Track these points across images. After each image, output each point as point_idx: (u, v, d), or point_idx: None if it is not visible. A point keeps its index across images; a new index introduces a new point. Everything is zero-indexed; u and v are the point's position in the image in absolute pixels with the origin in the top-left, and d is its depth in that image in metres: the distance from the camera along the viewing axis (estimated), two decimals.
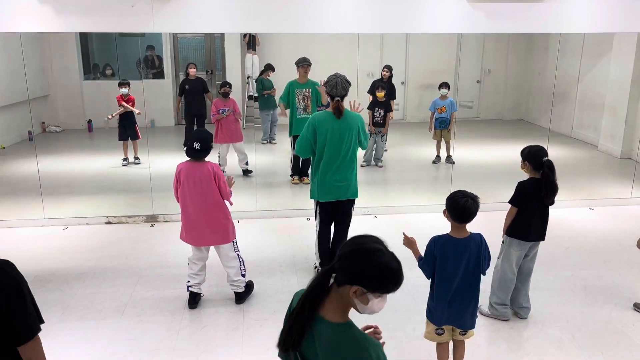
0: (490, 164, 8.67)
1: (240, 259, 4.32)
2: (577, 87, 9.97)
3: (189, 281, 4.29)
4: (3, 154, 8.86)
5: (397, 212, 6.39)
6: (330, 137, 4.39)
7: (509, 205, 4.01)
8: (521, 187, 3.96)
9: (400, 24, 5.72)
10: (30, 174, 6.94)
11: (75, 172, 8.12)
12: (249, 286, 4.47)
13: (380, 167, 8.41)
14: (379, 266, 1.73)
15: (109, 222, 6.08)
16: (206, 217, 4.08)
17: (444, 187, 6.89)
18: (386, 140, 9.24)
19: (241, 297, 4.35)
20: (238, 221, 5.87)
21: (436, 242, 3.12)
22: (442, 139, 8.53)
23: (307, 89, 7.07)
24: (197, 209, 4.07)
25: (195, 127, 9.23)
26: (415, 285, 4.54)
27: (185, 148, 4.08)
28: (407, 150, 9.52)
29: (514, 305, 4.15)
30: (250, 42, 10.33)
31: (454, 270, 3.09)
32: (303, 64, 7.07)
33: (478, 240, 3.13)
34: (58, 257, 5.23)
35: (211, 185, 4.04)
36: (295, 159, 7.37)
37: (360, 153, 8.22)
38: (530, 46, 11.70)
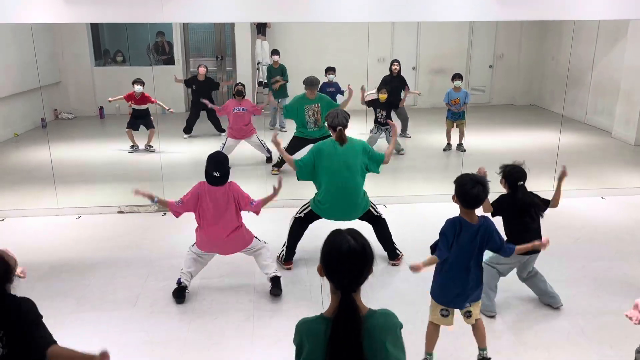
0: (502, 150, 8.59)
1: (267, 246, 4.42)
2: (591, 72, 9.82)
3: (182, 269, 4.29)
4: (16, 142, 8.95)
5: (408, 202, 6.39)
6: (336, 164, 4.51)
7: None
8: (498, 200, 3.99)
9: (411, 12, 5.65)
10: (43, 161, 7.01)
11: (88, 160, 8.21)
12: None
13: (402, 154, 8.37)
14: (327, 241, 1.87)
15: (122, 212, 6.15)
16: (226, 232, 4.14)
17: (455, 176, 6.84)
18: (407, 131, 9.28)
19: (277, 284, 4.30)
20: (248, 211, 5.92)
21: (454, 223, 3.17)
22: (456, 127, 8.46)
23: (317, 104, 7.15)
24: (217, 227, 4.12)
25: (206, 116, 9.29)
26: (425, 278, 4.55)
27: (204, 173, 4.16)
28: (418, 137, 9.46)
29: (543, 298, 4.18)
30: (260, 26, 10.28)
31: (467, 251, 3.15)
32: (310, 86, 7.10)
33: (487, 225, 3.19)
34: (72, 246, 5.31)
35: (231, 207, 4.12)
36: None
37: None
38: (544, 31, 11.52)
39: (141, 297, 4.35)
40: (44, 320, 2.46)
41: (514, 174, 3.93)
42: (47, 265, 4.89)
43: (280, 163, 7.51)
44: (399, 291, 4.44)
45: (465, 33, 11.12)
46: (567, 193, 6.45)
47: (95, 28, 11.13)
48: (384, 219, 4.91)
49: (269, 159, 7.94)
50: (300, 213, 4.86)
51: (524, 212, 3.93)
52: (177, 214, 4.21)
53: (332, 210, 4.65)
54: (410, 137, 9.36)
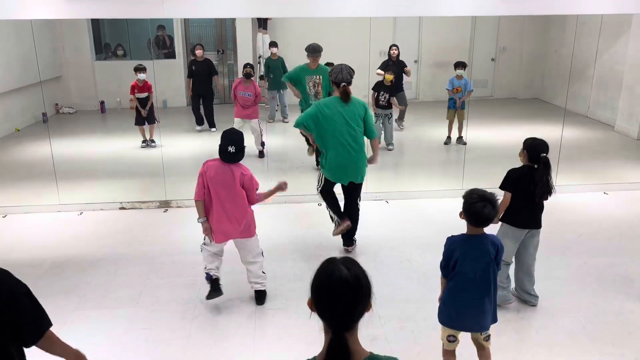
0: (505, 145, 8.55)
1: (262, 254, 4.25)
2: (594, 66, 9.77)
3: (205, 266, 4.13)
4: (18, 137, 8.95)
5: (409, 197, 6.36)
6: (338, 121, 4.52)
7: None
8: (510, 172, 3.97)
9: (413, 7, 5.61)
10: (45, 157, 7.00)
11: (89, 155, 8.20)
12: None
13: (391, 149, 8.34)
14: (318, 270, 1.65)
15: (123, 208, 6.15)
16: (233, 210, 3.95)
17: (457, 171, 6.85)
18: (404, 119, 9.26)
19: (262, 297, 4.24)
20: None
21: (454, 243, 3.03)
22: (456, 119, 8.44)
23: (318, 76, 7.00)
24: (224, 205, 3.94)
25: (201, 108, 9.31)
26: (427, 275, 4.58)
27: (218, 150, 3.92)
28: (420, 131, 9.44)
29: (522, 293, 4.15)
30: (261, 20, 10.24)
31: (472, 270, 2.97)
32: (313, 53, 6.96)
33: (493, 241, 3.03)
34: (74, 243, 5.31)
35: (241, 190, 3.95)
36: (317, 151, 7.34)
37: None
38: (547, 24, 11.46)
39: (143, 295, 4.35)
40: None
41: (537, 146, 3.84)
42: (49, 262, 4.90)
43: (316, 156, 7.27)
44: (400, 288, 4.44)
45: (468, 26, 11.05)
46: (569, 188, 6.50)
47: (95, 22, 11.08)
48: (358, 207, 4.97)
49: (261, 153, 7.89)
50: (318, 187, 4.94)
51: (543, 190, 3.83)
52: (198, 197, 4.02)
53: (339, 170, 4.68)
54: (403, 128, 9.28)
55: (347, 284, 1.57)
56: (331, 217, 4.97)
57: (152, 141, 8.48)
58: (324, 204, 5.04)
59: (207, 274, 4.14)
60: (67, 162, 7.41)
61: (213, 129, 9.23)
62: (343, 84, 4.51)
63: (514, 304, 4.15)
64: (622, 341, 3.74)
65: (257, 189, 4.04)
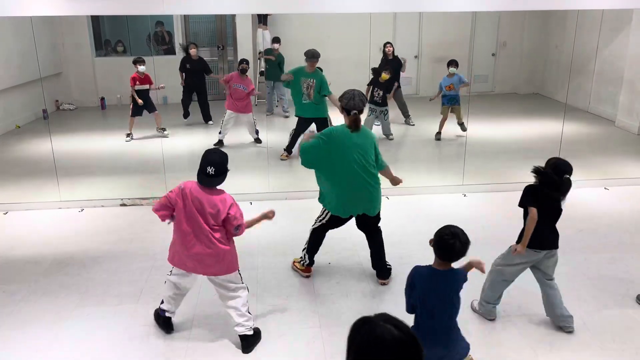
0: (505, 139, 8.57)
1: (247, 289, 3.74)
2: (594, 61, 9.75)
3: (162, 301, 3.81)
4: (18, 134, 8.95)
5: (410, 193, 6.36)
6: (347, 151, 4.10)
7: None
8: (530, 188, 3.76)
9: (413, 2, 5.60)
10: (46, 154, 7.01)
11: (90, 152, 8.20)
12: (258, 332, 3.73)
13: (391, 139, 8.41)
14: (356, 337, 1.32)
15: (124, 204, 6.16)
16: (207, 245, 3.47)
17: (457, 166, 6.85)
18: (410, 116, 9.35)
19: (249, 344, 3.62)
20: (251, 203, 5.93)
21: (420, 275, 2.97)
22: (453, 114, 8.47)
23: (312, 79, 7.23)
24: (198, 237, 3.46)
25: (197, 101, 9.36)
26: None
27: (197, 171, 3.45)
28: (420, 126, 9.42)
29: (554, 320, 3.89)
30: (262, 16, 10.25)
31: (438, 303, 2.92)
32: (311, 58, 7.18)
33: (459, 276, 2.97)
34: (75, 240, 5.32)
35: (219, 220, 3.45)
36: (294, 137, 7.54)
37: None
38: (547, 19, 11.43)
39: (145, 291, 4.36)
40: (47, 316, 2.35)
41: (560, 166, 3.70)
42: (51, 259, 4.91)
43: (290, 147, 7.63)
44: (400, 284, 4.40)
45: (468, 21, 11.02)
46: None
47: (95, 18, 11.06)
48: (381, 230, 4.55)
49: (257, 140, 8.32)
50: (320, 221, 4.48)
51: (564, 189, 3.70)
52: (158, 213, 3.53)
53: (350, 202, 4.25)
54: (414, 124, 9.36)
55: (406, 345, 1.26)
56: (302, 256, 4.60)
57: (163, 129, 8.47)
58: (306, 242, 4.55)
59: (161, 310, 3.80)
60: (67, 159, 7.42)
61: (210, 122, 9.35)
62: (354, 111, 4.09)
63: (515, 300, 4.15)
64: (622, 336, 3.75)
65: (236, 225, 3.50)
